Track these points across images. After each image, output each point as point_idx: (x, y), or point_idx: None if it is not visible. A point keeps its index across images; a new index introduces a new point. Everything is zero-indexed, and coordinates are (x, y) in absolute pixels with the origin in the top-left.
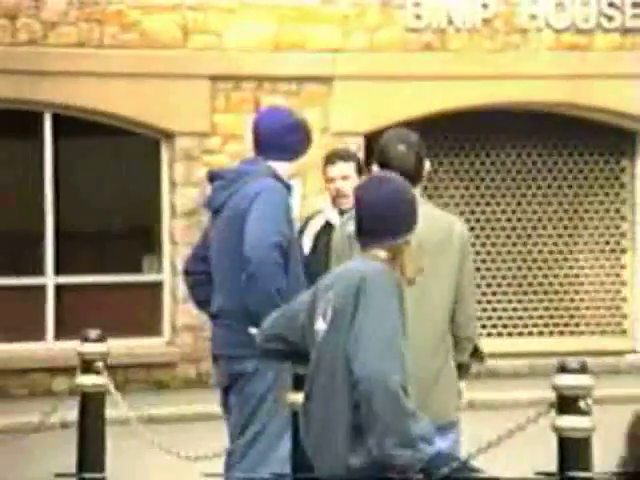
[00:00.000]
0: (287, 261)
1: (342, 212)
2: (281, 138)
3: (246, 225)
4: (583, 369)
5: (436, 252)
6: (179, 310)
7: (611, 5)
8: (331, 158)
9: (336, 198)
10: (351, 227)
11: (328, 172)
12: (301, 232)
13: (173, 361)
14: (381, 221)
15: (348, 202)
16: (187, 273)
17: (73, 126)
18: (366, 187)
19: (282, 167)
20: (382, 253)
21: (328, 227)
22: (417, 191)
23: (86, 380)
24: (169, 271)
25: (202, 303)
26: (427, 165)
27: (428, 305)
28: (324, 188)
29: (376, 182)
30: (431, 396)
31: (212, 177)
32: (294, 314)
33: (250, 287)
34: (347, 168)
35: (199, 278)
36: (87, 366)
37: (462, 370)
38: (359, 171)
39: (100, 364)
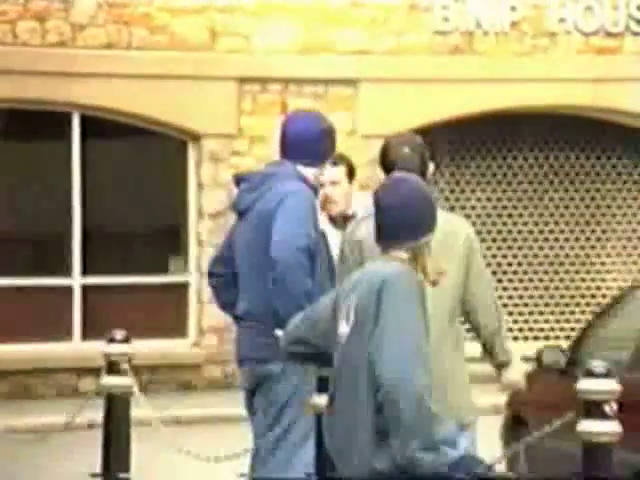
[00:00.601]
0: (314, 264)
1: (331, 218)
2: (309, 144)
3: (273, 227)
4: (608, 373)
5: (439, 255)
6: (205, 311)
7: (639, 9)
8: (335, 162)
9: (325, 204)
10: (361, 231)
11: (326, 174)
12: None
13: (199, 362)
14: (401, 222)
15: (337, 208)
16: (211, 275)
17: (101, 127)
18: (385, 189)
19: (309, 171)
20: (403, 254)
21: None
22: None
23: (111, 381)
24: (195, 272)
25: (226, 305)
26: (431, 167)
27: (430, 307)
28: None
29: (395, 184)
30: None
31: (238, 180)
32: (317, 317)
33: (277, 289)
34: (336, 173)
35: (223, 280)
36: (112, 367)
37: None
38: (351, 175)
39: (125, 365)
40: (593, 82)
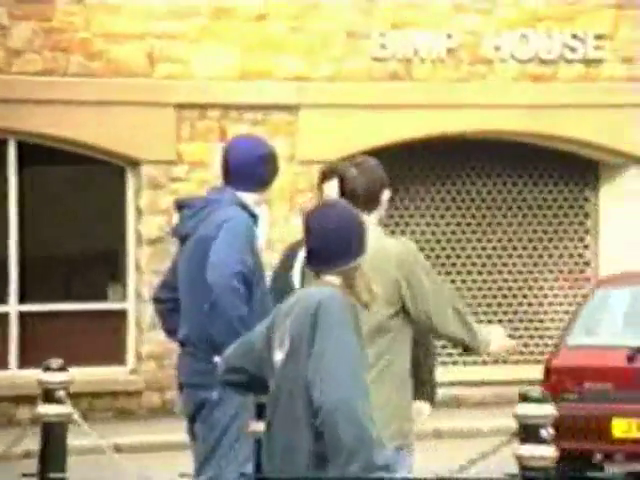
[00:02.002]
0: (251, 290)
1: None
2: (250, 169)
3: (210, 254)
4: (545, 398)
5: (371, 277)
6: (144, 338)
7: (574, 37)
8: (328, 174)
9: None
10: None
11: (324, 189)
12: (292, 260)
13: (138, 389)
14: (330, 247)
15: None
16: (157, 301)
17: (38, 154)
18: (313, 214)
19: (250, 197)
20: (335, 279)
21: None
22: (373, 217)
23: (47, 409)
24: (134, 299)
25: (171, 331)
26: (385, 193)
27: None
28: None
29: (322, 208)
30: None
31: (179, 205)
32: (251, 344)
33: (212, 315)
34: (329, 188)
35: (168, 306)
36: (49, 395)
37: (424, 391)
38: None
39: (62, 393)
40: (529, 109)
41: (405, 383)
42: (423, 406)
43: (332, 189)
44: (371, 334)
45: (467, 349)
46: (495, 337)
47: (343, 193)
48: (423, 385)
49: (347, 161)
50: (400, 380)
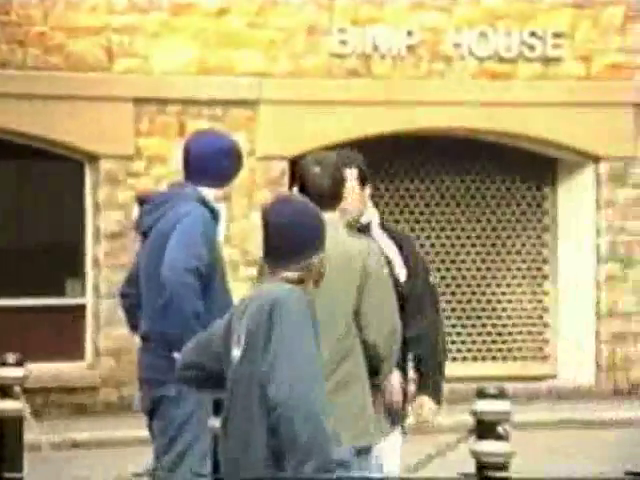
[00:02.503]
0: (208, 286)
1: (348, 224)
2: (210, 164)
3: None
4: (502, 395)
5: (332, 277)
6: (101, 334)
7: (533, 35)
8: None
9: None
10: None
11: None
12: None
13: (95, 385)
14: (288, 242)
15: (346, 216)
16: (121, 296)
17: None
18: (270, 209)
19: (210, 192)
20: (291, 275)
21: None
22: (336, 214)
23: (3, 405)
24: (92, 294)
25: (136, 327)
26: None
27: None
28: None
29: (279, 204)
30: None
31: (141, 200)
32: (209, 341)
33: (166, 311)
34: (348, 176)
35: (132, 301)
36: (5, 391)
37: (427, 385)
38: (362, 179)
39: (17, 389)
40: (488, 106)
41: (366, 383)
42: (424, 400)
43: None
44: (339, 336)
45: (375, 371)
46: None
47: (305, 191)
48: (425, 380)
49: (308, 157)
50: (365, 379)
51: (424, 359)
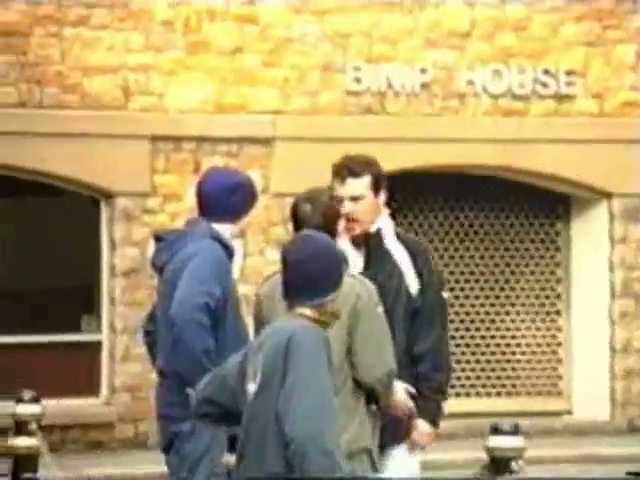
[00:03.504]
0: (221, 322)
1: (354, 240)
2: (222, 199)
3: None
4: (515, 431)
5: None
6: (117, 370)
7: (546, 73)
8: (339, 173)
9: (345, 224)
10: (264, 289)
11: (337, 190)
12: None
13: (111, 421)
14: (306, 280)
15: (360, 227)
16: (144, 332)
17: (13, 186)
18: (291, 246)
19: (224, 228)
20: (308, 311)
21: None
22: None
23: (19, 442)
24: (107, 330)
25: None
26: (340, 226)
27: None
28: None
29: (301, 241)
30: None
31: (157, 237)
32: (225, 377)
33: (175, 349)
34: (359, 186)
35: (154, 338)
36: (21, 427)
37: (426, 407)
38: (376, 187)
39: (34, 425)
40: (501, 143)
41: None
42: (421, 424)
43: (344, 191)
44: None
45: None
46: (398, 387)
47: (298, 228)
48: (425, 402)
49: (299, 195)
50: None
51: (426, 378)
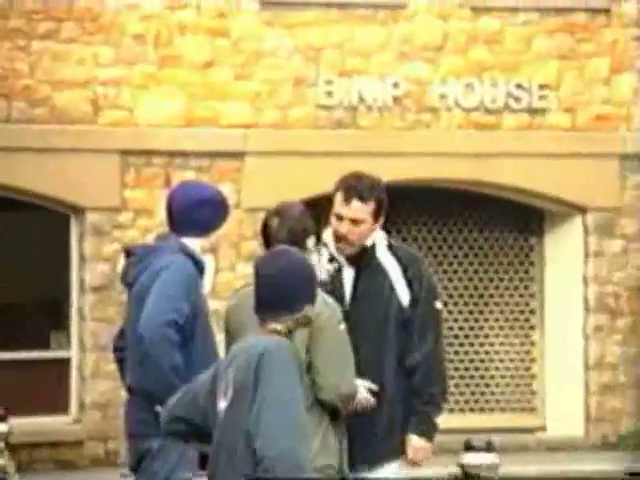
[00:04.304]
0: (190, 339)
1: (347, 258)
2: (191, 213)
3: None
4: (489, 447)
5: None
6: (87, 387)
7: (519, 87)
8: (346, 193)
9: (337, 241)
10: (231, 302)
11: (338, 208)
12: None
13: (80, 439)
14: (277, 295)
15: (349, 249)
16: (114, 349)
17: None
18: (264, 260)
19: (194, 242)
20: (280, 327)
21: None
22: None
23: None
24: (77, 347)
25: None
26: (310, 242)
27: None
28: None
29: (274, 255)
30: None
31: (127, 252)
32: (195, 394)
33: (143, 365)
34: (363, 212)
35: (125, 355)
36: None
37: (417, 421)
38: (377, 214)
39: (1, 444)
40: (473, 157)
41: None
42: (414, 439)
43: (347, 212)
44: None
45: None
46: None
47: (267, 242)
48: (417, 416)
49: (272, 208)
50: (320, 421)
51: (417, 391)
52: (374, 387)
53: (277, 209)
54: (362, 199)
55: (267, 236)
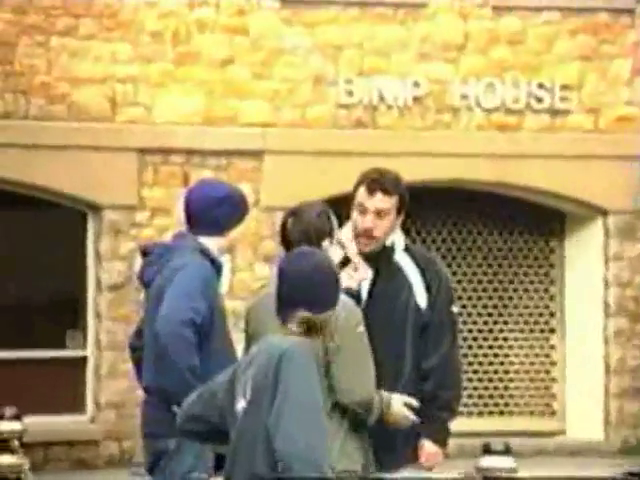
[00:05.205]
0: (207, 339)
1: (365, 256)
2: (208, 212)
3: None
4: (507, 451)
5: None
6: (102, 386)
7: (540, 87)
8: (370, 186)
9: (360, 237)
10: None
11: (362, 201)
12: None
13: (96, 439)
14: (299, 295)
15: (373, 245)
16: (131, 349)
17: None
18: (289, 259)
19: (211, 242)
20: (299, 328)
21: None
22: None
23: (1, 460)
24: (93, 346)
25: None
26: (324, 244)
27: None
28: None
29: (299, 256)
30: None
31: (144, 251)
32: (213, 394)
33: (160, 365)
34: (387, 202)
35: (142, 355)
36: (3, 445)
37: (431, 428)
38: (400, 209)
39: (16, 443)
40: (493, 158)
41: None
42: (427, 445)
43: (371, 205)
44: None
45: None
46: (396, 401)
47: (284, 242)
48: (431, 421)
49: (291, 208)
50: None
51: (432, 396)
52: (414, 403)
53: (294, 209)
54: (386, 192)
55: (285, 236)
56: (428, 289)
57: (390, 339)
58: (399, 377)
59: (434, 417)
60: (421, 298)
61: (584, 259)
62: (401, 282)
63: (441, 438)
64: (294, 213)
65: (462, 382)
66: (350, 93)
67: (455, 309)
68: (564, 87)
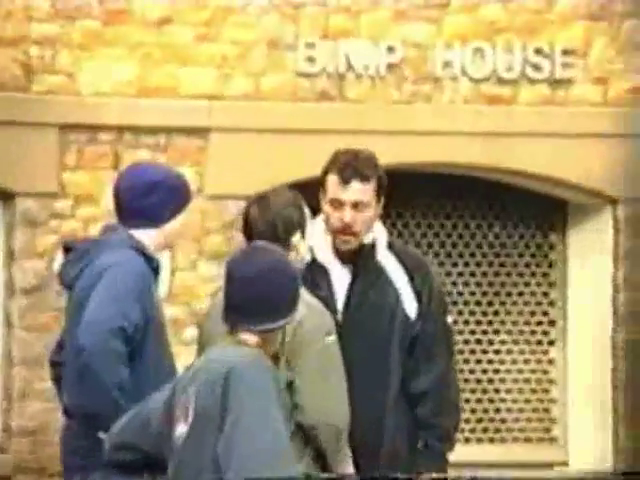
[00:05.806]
0: (140, 351)
1: (342, 256)
2: (139, 200)
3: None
4: None
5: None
6: (14, 410)
7: (538, 52)
8: (342, 172)
9: (337, 234)
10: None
11: (335, 193)
12: None
13: (5, 473)
14: (253, 300)
15: (354, 242)
16: (51, 365)
17: None
18: (238, 259)
19: (147, 236)
20: (252, 338)
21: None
22: None
23: None
24: (3, 361)
25: None
26: (295, 238)
27: None
28: (323, 213)
29: (248, 254)
30: None
31: (66, 248)
32: (147, 417)
33: (82, 382)
34: (365, 192)
35: (63, 371)
36: None
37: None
38: (379, 193)
39: None
40: (484, 137)
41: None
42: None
43: (347, 195)
44: None
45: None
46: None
47: (248, 236)
48: (427, 453)
49: (255, 195)
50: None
51: (427, 425)
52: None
53: (259, 196)
54: (364, 178)
55: (247, 229)
56: (418, 296)
57: (373, 354)
58: (384, 399)
59: (432, 448)
60: (410, 306)
61: (590, 256)
62: (385, 286)
63: (440, 471)
64: (259, 201)
65: (459, 407)
66: (312, 60)
67: (450, 320)
68: (566, 52)
